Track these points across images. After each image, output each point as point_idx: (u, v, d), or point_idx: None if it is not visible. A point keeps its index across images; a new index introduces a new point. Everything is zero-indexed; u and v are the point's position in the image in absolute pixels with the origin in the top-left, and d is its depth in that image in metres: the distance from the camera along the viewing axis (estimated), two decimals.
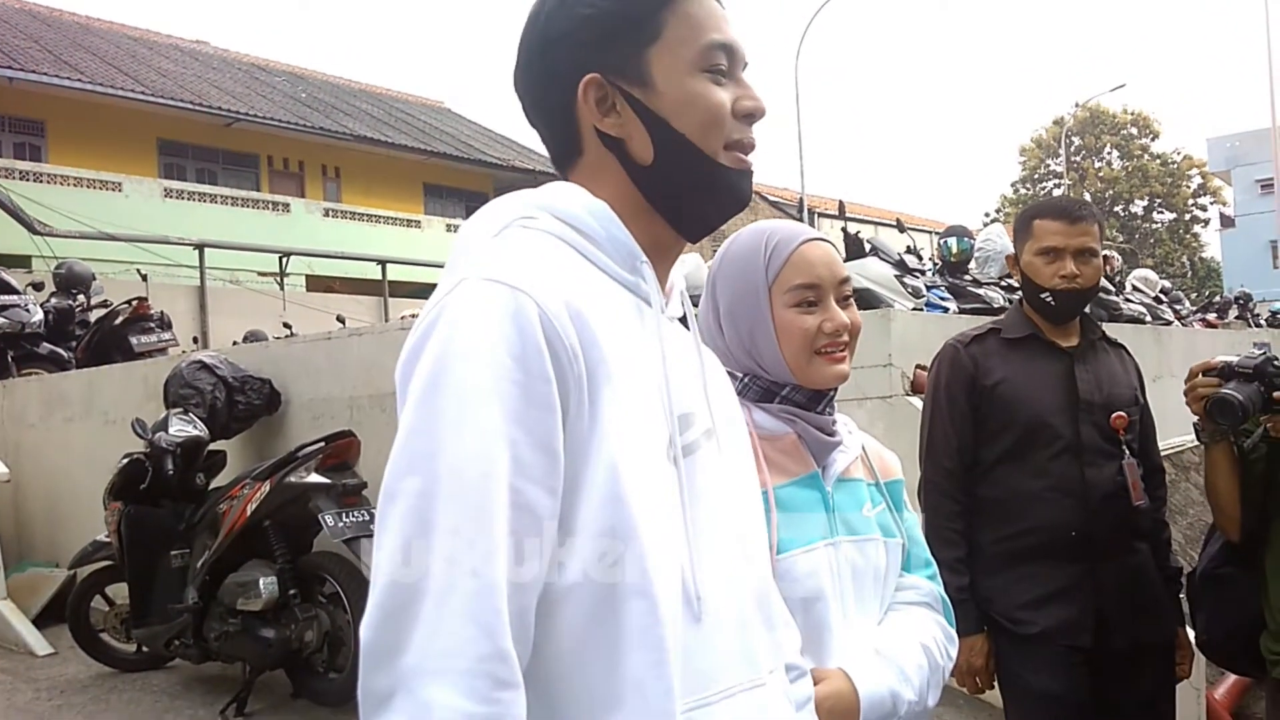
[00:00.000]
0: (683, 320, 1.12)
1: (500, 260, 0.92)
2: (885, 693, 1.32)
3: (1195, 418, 2.28)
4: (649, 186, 1.03)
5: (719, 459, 1.04)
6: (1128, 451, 2.34)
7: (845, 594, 1.37)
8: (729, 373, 1.43)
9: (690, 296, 1.19)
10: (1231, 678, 3.78)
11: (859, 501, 1.44)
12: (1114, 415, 2.33)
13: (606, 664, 0.89)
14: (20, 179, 17.12)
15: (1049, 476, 2.29)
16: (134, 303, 8.48)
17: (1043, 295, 2.35)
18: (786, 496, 1.35)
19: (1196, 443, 4.91)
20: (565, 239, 0.98)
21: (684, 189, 1.03)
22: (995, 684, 2.37)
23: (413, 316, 11.10)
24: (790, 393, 1.42)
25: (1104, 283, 6.44)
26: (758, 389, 1.43)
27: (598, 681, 0.89)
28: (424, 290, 17.87)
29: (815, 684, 1.26)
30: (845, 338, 1.40)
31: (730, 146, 1.03)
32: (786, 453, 1.40)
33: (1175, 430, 4.71)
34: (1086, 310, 2.47)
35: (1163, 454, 2.73)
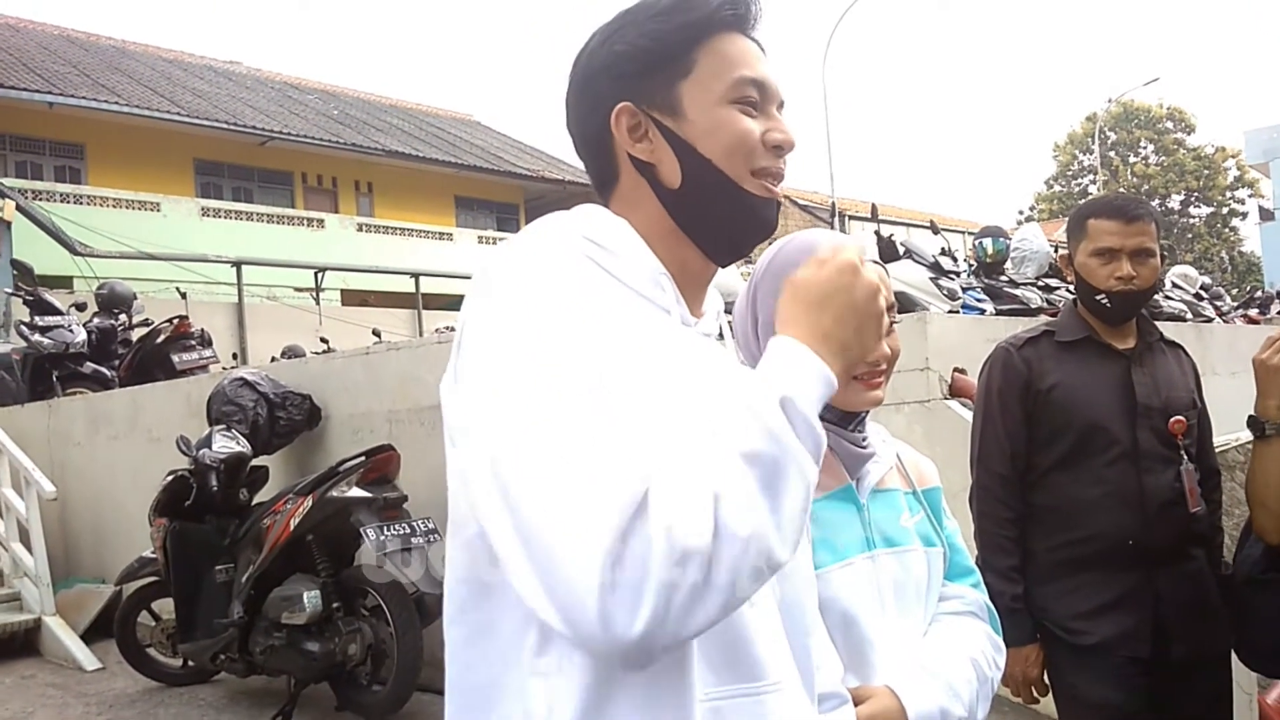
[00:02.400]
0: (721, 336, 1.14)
1: (531, 255, 0.98)
2: (935, 710, 1.29)
3: (1251, 414, 2.19)
4: (677, 210, 1.08)
5: None
6: (1186, 457, 2.28)
7: (887, 607, 1.35)
8: None
9: (725, 304, 1.20)
10: None
11: (896, 512, 1.42)
12: (1172, 420, 2.27)
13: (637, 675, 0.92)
14: (61, 201, 17.42)
15: (1106, 483, 2.24)
16: (175, 321, 8.59)
17: (1098, 297, 2.30)
18: (820, 511, 1.33)
19: (1241, 441, 4.79)
20: (589, 255, 1.02)
21: (710, 212, 1.07)
22: (1049, 693, 2.34)
23: (447, 329, 11.18)
24: (822, 411, 1.41)
25: None
26: None
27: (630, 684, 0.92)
28: (456, 302, 17.90)
29: (861, 703, 1.24)
30: (884, 365, 1.39)
31: (757, 174, 1.07)
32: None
33: (1219, 429, 4.62)
34: (1143, 311, 2.41)
35: None
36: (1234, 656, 2.38)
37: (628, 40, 1.07)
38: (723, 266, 1.13)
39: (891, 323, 1.40)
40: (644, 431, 0.86)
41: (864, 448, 1.42)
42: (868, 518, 1.39)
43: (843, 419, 1.40)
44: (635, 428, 0.86)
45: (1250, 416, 2.21)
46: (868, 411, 1.42)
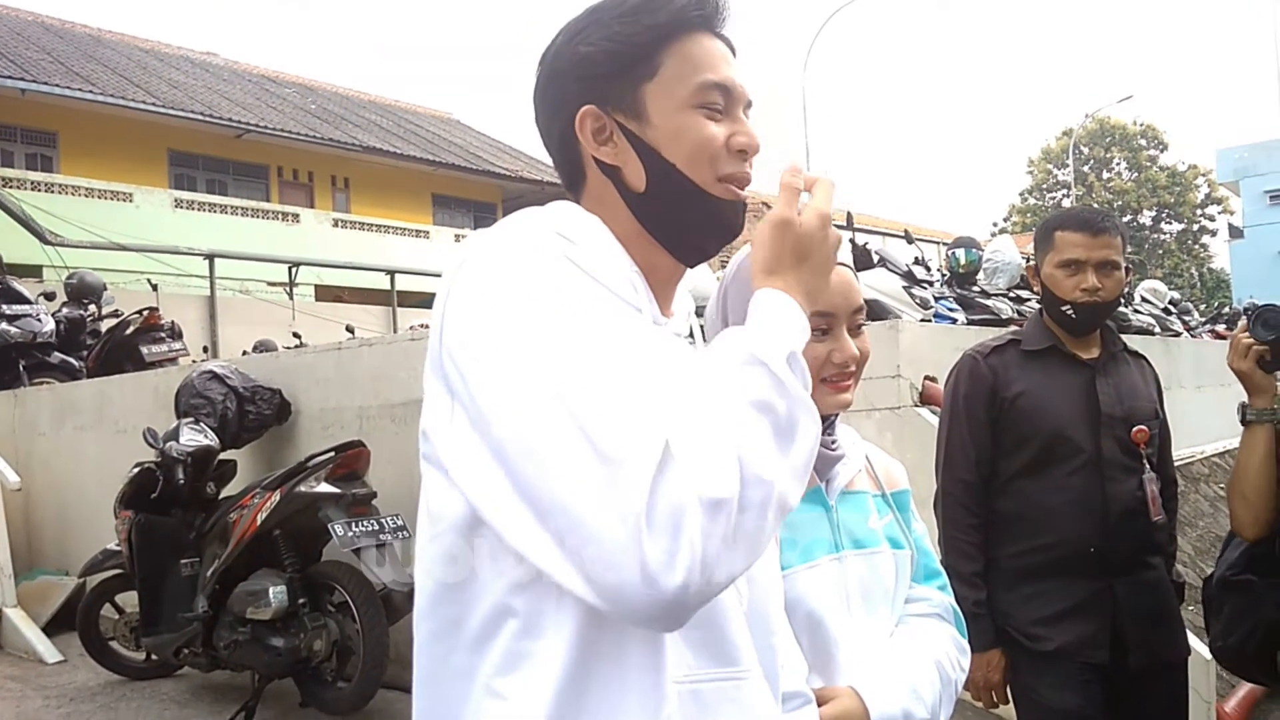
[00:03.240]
0: (690, 336, 1.15)
1: (512, 237, 0.99)
2: (897, 712, 1.30)
3: (1242, 401, 2.23)
4: (643, 213, 1.08)
5: None
6: (1148, 466, 2.31)
7: (853, 608, 1.36)
8: None
9: (697, 306, 1.20)
10: (1243, 690, 3.77)
11: (865, 514, 1.43)
12: (1135, 429, 2.31)
13: (614, 651, 0.94)
14: (32, 189, 17.21)
15: (1069, 491, 2.27)
16: (145, 313, 8.52)
17: (1063, 308, 2.33)
18: None
19: (1205, 454, 4.85)
20: (562, 250, 1.01)
21: (675, 216, 1.08)
22: (1010, 699, 2.36)
23: (422, 327, 11.12)
24: None
25: None
26: None
27: (609, 661, 0.94)
28: (432, 300, 17.80)
29: (825, 703, 1.25)
30: (852, 367, 1.38)
31: (723, 179, 1.07)
32: None
33: (1185, 442, 4.69)
34: (1108, 322, 2.45)
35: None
36: (1191, 664, 2.42)
37: (592, 41, 1.07)
38: (690, 267, 1.13)
39: (860, 325, 1.41)
40: (654, 387, 0.87)
41: (833, 450, 1.42)
42: (836, 519, 1.39)
43: None
44: (645, 385, 0.87)
45: (1241, 404, 2.25)
46: (837, 414, 1.42)
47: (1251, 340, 2.18)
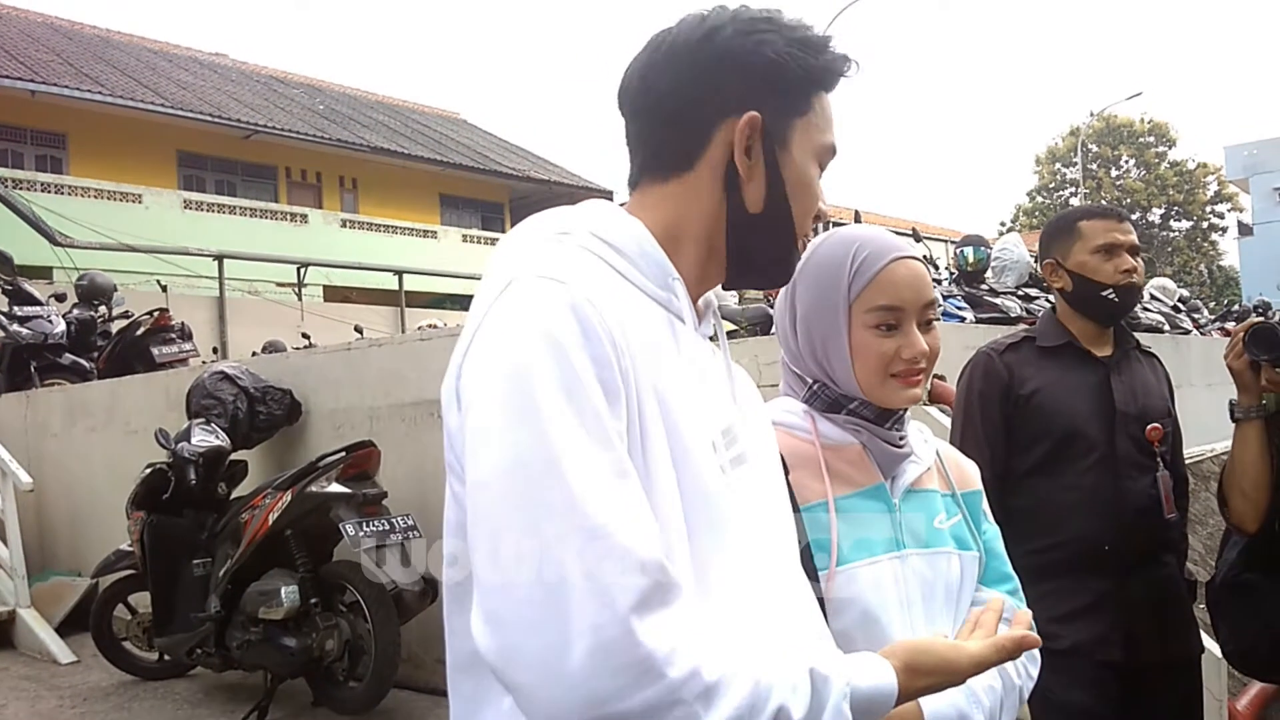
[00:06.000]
0: (714, 338, 1.14)
1: (547, 261, 0.94)
2: (952, 712, 1.24)
3: (1230, 399, 2.24)
4: (740, 232, 1.06)
5: (750, 481, 1.05)
6: (1161, 463, 2.31)
7: (912, 607, 1.32)
8: (798, 375, 1.42)
9: (722, 305, 1.20)
10: (1255, 687, 3.76)
11: (931, 513, 1.39)
12: (1149, 427, 2.30)
13: None
14: (42, 191, 17.28)
15: (1083, 489, 2.26)
16: (155, 314, 8.53)
17: (1104, 293, 2.32)
18: (850, 507, 1.32)
19: (1216, 453, 4.84)
20: (599, 254, 1.00)
21: (764, 249, 1.07)
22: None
23: (430, 326, 11.15)
24: (859, 407, 1.38)
25: None
26: (826, 399, 1.39)
27: None
28: (440, 300, 17.98)
29: None
30: (922, 363, 1.35)
31: (803, 234, 1.09)
32: (852, 463, 1.37)
33: (1195, 440, 4.67)
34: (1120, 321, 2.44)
35: None
36: (1204, 662, 2.42)
37: (777, 50, 1.02)
38: (727, 288, 1.13)
39: (930, 320, 1.38)
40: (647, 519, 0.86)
41: (900, 446, 1.39)
42: (898, 518, 1.36)
43: (880, 416, 1.38)
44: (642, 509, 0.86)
45: (1230, 401, 2.26)
46: (906, 410, 1.40)
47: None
